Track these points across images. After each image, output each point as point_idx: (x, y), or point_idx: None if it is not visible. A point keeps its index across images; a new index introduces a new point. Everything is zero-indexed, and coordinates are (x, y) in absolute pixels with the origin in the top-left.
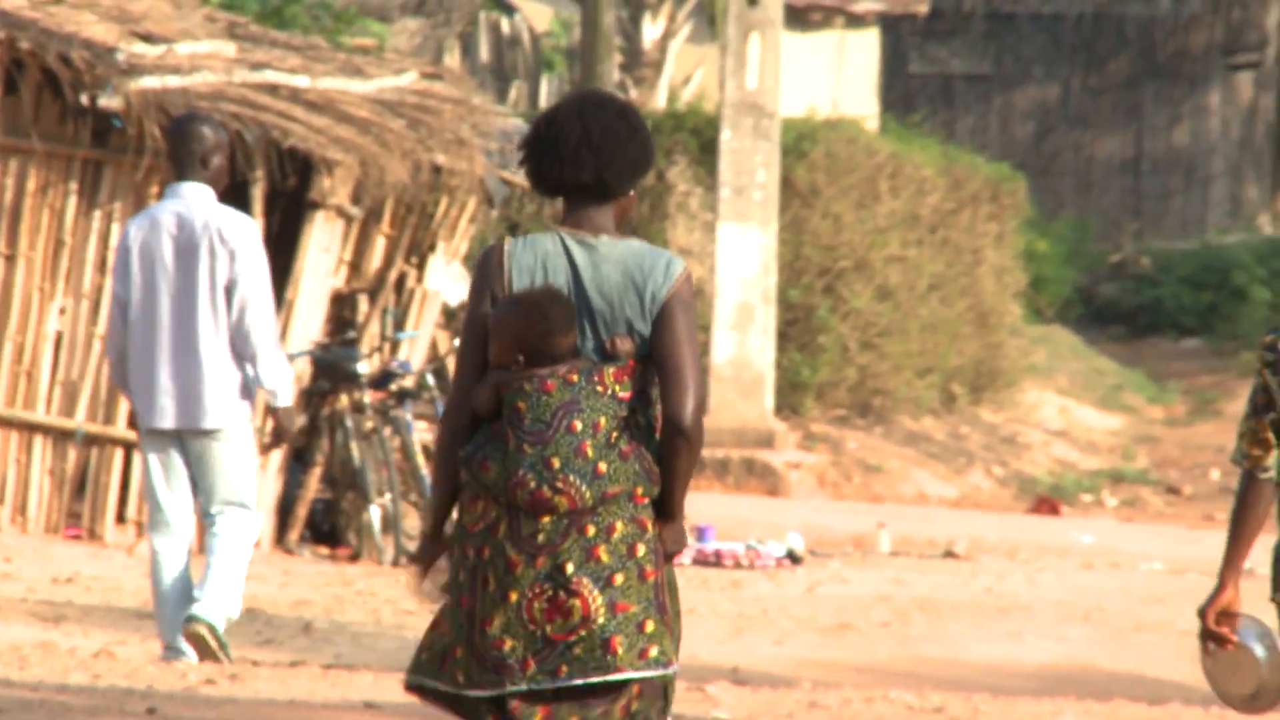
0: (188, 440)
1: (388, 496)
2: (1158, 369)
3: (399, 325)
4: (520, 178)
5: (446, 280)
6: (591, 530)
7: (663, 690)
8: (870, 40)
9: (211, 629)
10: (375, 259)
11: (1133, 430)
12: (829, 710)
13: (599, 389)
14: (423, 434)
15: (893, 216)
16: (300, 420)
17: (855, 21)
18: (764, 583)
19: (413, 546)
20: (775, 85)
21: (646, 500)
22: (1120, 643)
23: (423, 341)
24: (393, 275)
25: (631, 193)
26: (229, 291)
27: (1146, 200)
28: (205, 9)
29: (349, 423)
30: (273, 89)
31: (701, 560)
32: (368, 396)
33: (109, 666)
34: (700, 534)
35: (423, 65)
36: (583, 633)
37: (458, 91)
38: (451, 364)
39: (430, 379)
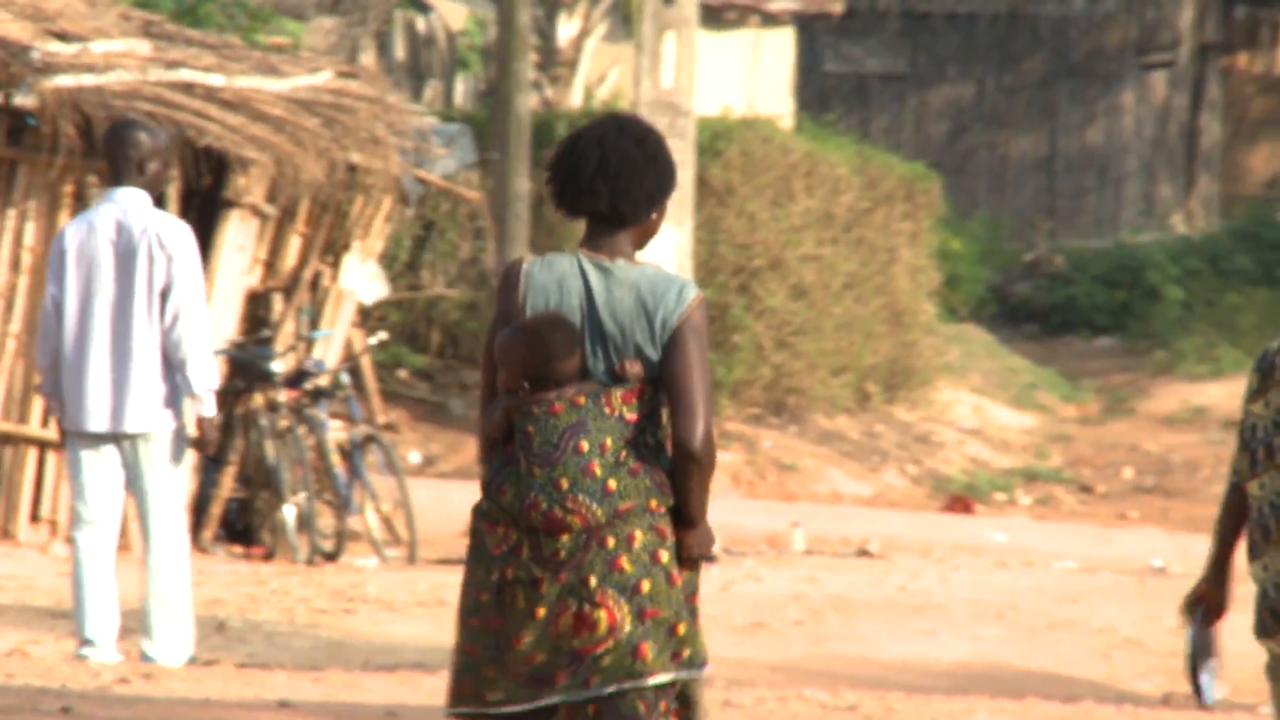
0: (121, 442)
1: (302, 495)
2: (1071, 368)
3: (314, 324)
4: (435, 176)
5: (361, 279)
6: (611, 542)
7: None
8: (785, 39)
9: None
10: (290, 258)
11: (1046, 429)
12: (743, 709)
13: (606, 410)
14: (337, 433)
15: (808, 215)
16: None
17: (770, 20)
18: None
19: (328, 545)
20: (690, 84)
21: (664, 509)
22: (1033, 641)
23: (337, 340)
24: (308, 274)
25: (657, 215)
26: (164, 297)
27: (1060, 199)
28: (120, 7)
29: (263, 422)
30: (188, 88)
31: None
32: (282, 395)
33: (23, 665)
34: None
35: (338, 64)
36: (610, 643)
37: (373, 90)
38: (366, 363)
39: (345, 378)
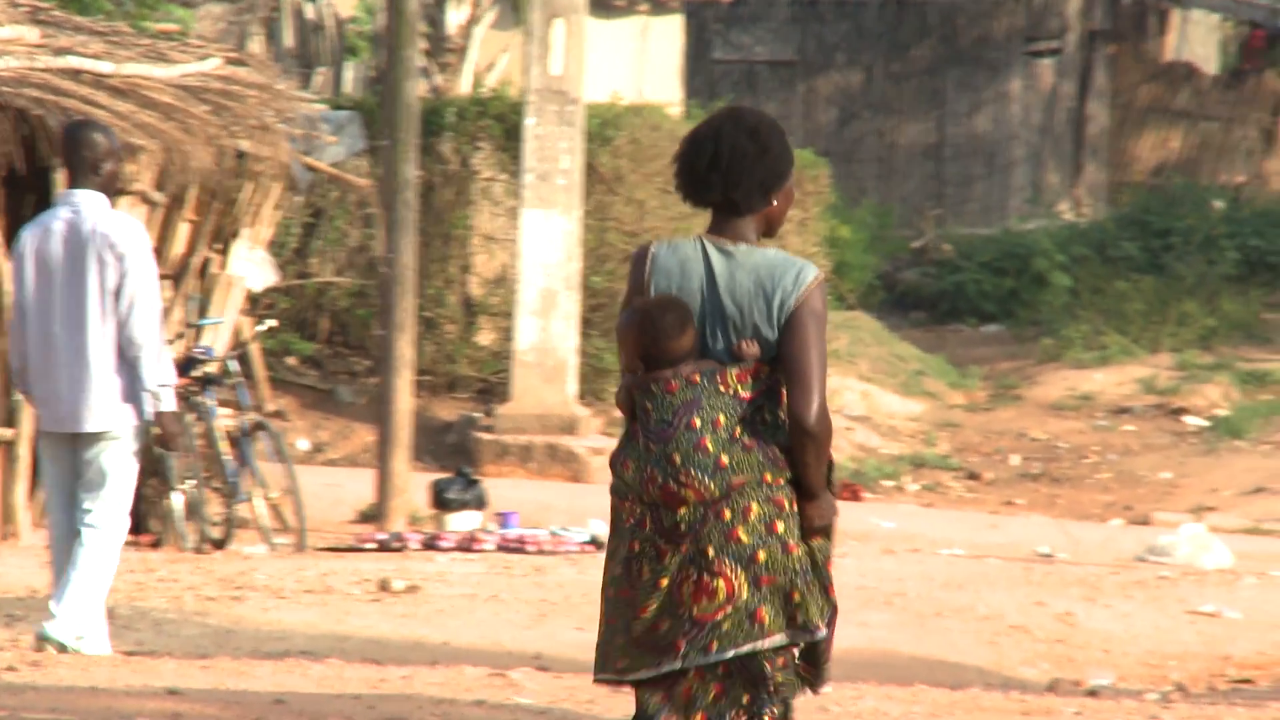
0: (82, 440)
1: (190, 483)
2: (959, 355)
3: (202, 311)
4: (324, 164)
5: (250, 266)
6: (728, 514)
7: (793, 669)
8: (674, 26)
9: (61, 647)
10: (179, 245)
11: (934, 416)
12: (631, 696)
13: (721, 389)
14: (225, 420)
15: None
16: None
17: (659, 8)
18: (567, 568)
19: (216, 533)
20: (580, 71)
21: (782, 481)
22: (921, 628)
23: (226, 328)
24: (196, 261)
25: (776, 202)
26: (117, 296)
27: (948, 186)
28: None
29: None
30: (76, 74)
31: (505, 546)
32: None
33: None
34: (503, 520)
35: (227, 51)
36: (729, 609)
37: (262, 77)
38: (254, 350)
39: (233, 365)
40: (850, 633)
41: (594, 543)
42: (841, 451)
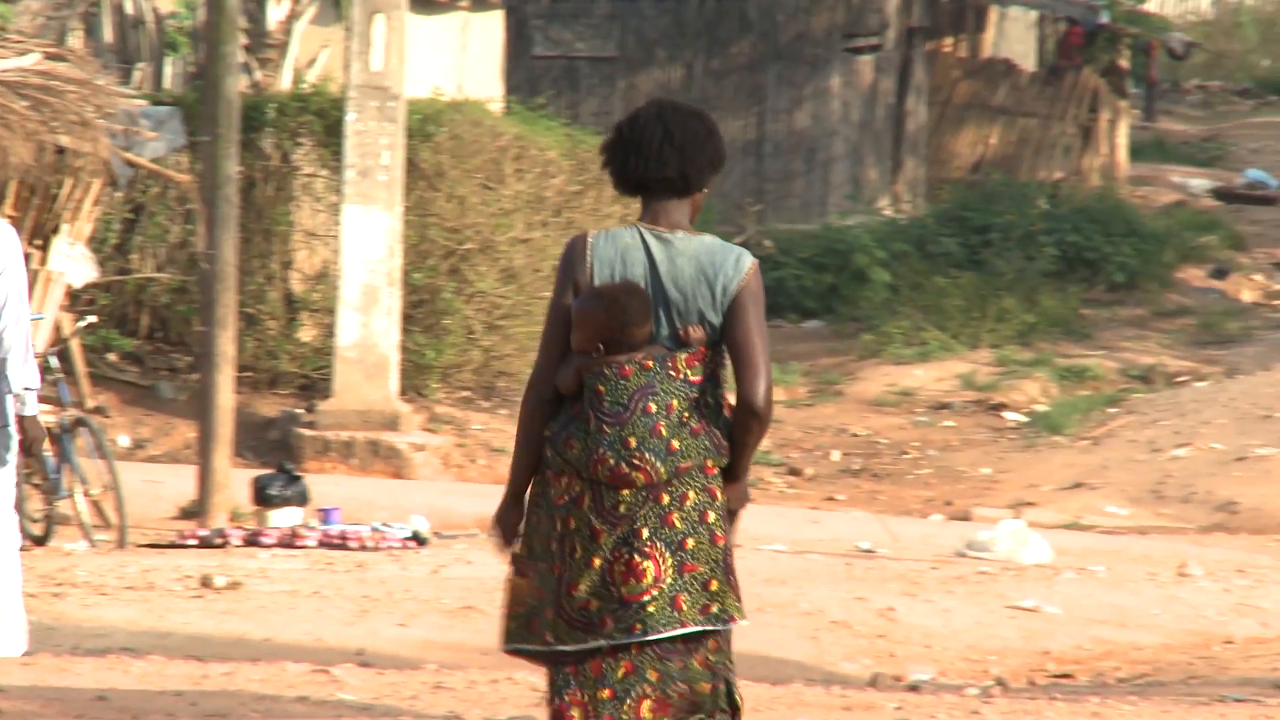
0: None
1: None
2: (779, 350)
3: None
4: (144, 159)
5: (70, 262)
6: (665, 499)
7: (729, 648)
8: (495, 22)
9: None
10: None
11: None
12: (454, 692)
13: (672, 374)
14: (45, 416)
15: (518, 199)
16: None
17: (480, 4)
18: (389, 564)
19: (37, 529)
20: (400, 67)
21: (716, 471)
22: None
23: (46, 324)
24: None
25: (704, 190)
26: None
27: (769, 182)
28: None
29: None
30: None
31: (327, 542)
32: None
33: None
34: (325, 516)
35: (46, 46)
36: (654, 592)
37: (82, 73)
38: (75, 346)
39: (54, 361)
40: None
41: (416, 538)
42: None
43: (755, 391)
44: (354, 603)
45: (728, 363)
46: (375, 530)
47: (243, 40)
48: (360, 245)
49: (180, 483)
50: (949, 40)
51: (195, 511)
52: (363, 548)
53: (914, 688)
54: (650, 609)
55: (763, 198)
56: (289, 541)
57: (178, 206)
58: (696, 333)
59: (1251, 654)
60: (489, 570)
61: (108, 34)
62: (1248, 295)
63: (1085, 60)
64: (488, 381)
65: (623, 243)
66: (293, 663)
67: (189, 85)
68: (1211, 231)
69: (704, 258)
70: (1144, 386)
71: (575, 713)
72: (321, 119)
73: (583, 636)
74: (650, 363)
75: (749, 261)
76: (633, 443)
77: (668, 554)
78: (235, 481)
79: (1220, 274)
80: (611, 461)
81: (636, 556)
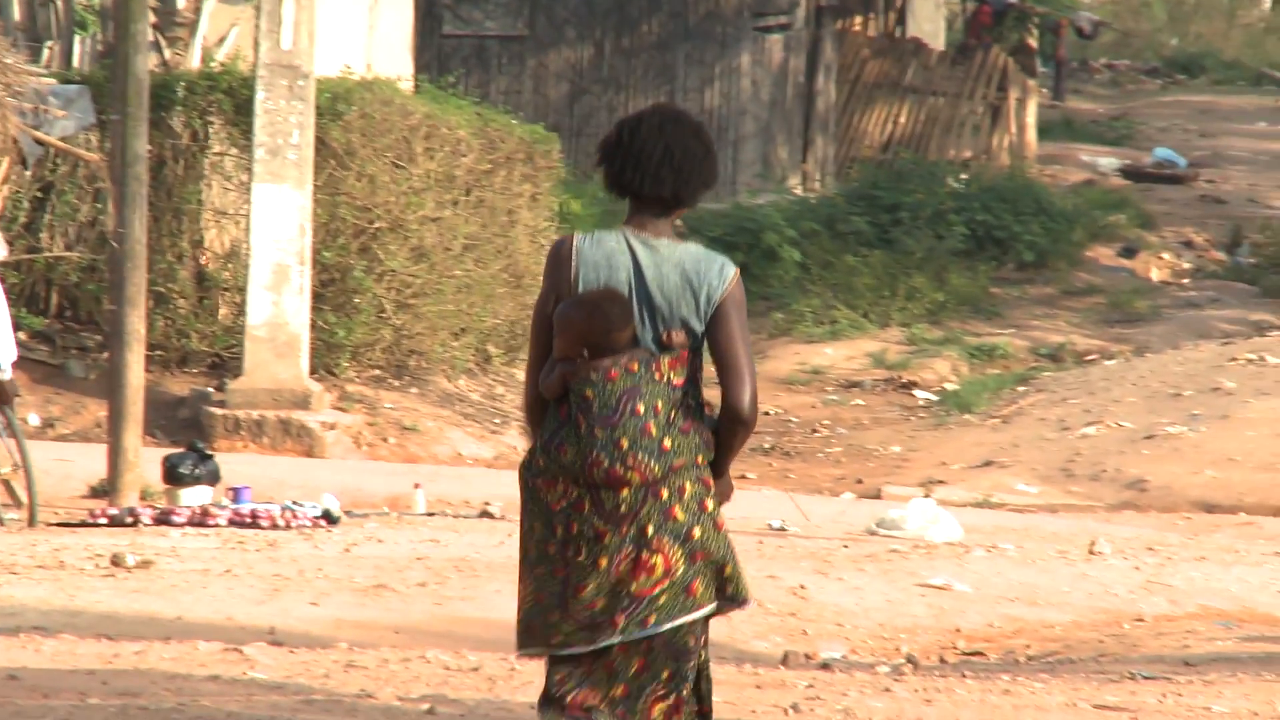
0: None
1: None
2: None
3: None
4: (54, 138)
5: None
6: (665, 494)
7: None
8: (404, 1)
9: None
10: None
11: None
12: (366, 671)
13: (656, 376)
14: None
15: (428, 178)
16: None
17: None
18: (300, 543)
19: None
20: (310, 46)
21: (706, 463)
22: None
23: None
24: None
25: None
26: None
27: None
28: None
29: None
30: None
31: (238, 521)
32: None
33: None
34: (236, 495)
35: None
36: (666, 584)
37: None
38: None
39: None
40: None
41: (327, 517)
42: None
43: (741, 398)
44: (265, 581)
45: (706, 365)
46: (286, 509)
47: (152, 19)
48: (271, 224)
49: (91, 462)
50: (858, 19)
51: (106, 490)
52: (274, 526)
53: (825, 666)
54: (662, 600)
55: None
56: (200, 520)
57: (87, 185)
58: (679, 337)
59: (1161, 631)
60: (400, 549)
61: (16, 12)
62: (1156, 274)
63: (994, 39)
64: (399, 360)
65: (608, 247)
66: (204, 641)
67: (98, 64)
68: (1120, 210)
69: (689, 265)
70: (1053, 365)
71: (589, 709)
72: (231, 98)
73: (592, 637)
74: (635, 366)
75: (732, 271)
76: (625, 444)
77: (676, 546)
78: (146, 460)
79: (1129, 253)
80: (606, 464)
81: (645, 553)
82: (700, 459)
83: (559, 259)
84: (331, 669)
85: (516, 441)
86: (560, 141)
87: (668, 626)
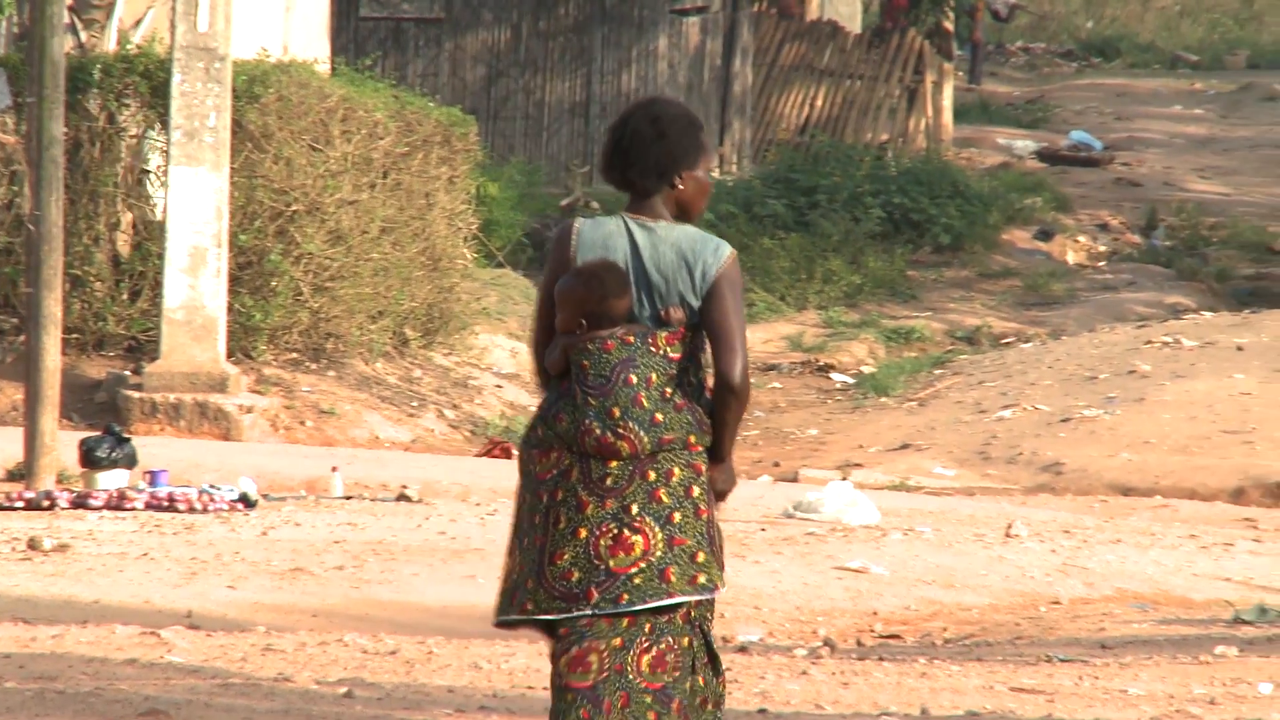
0: None
1: None
2: None
3: None
4: None
5: None
6: (652, 475)
7: (712, 606)
8: None
9: None
10: None
11: None
12: (284, 654)
13: (652, 349)
14: None
15: (345, 160)
16: None
17: None
18: (218, 526)
19: None
20: (227, 28)
21: (700, 448)
22: None
23: None
24: None
25: (683, 186)
26: None
27: (596, 144)
28: None
29: None
30: None
31: (155, 504)
32: None
33: None
34: (153, 478)
35: None
36: (642, 565)
37: None
38: None
39: None
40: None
41: (244, 500)
42: (492, 409)
43: (733, 369)
44: (182, 565)
45: (708, 348)
46: (203, 492)
47: (68, 1)
48: (187, 206)
49: (7, 445)
50: (797, 7)
51: (22, 474)
52: (191, 510)
53: (743, 649)
54: (637, 580)
55: (590, 159)
56: (117, 504)
57: (3, 168)
58: (676, 313)
59: (1078, 614)
60: (317, 532)
61: None
62: (1072, 257)
63: (910, 22)
64: (316, 343)
65: (607, 229)
66: (122, 625)
67: (14, 46)
68: (1036, 193)
69: (685, 244)
70: (970, 348)
71: (593, 659)
72: (148, 80)
73: (565, 606)
74: (631, 338)
75: (727, 250)
76: (617, 413)
77: (657, 528)
78: (62, 444)
79: (1045, 235)
80: (598, 431)
81: (626, 531)
82: (693, 440)
83: (560, 241)
84: (249, 652)
85: (434, 424)
86: (477, 124)
87: (639, 607)
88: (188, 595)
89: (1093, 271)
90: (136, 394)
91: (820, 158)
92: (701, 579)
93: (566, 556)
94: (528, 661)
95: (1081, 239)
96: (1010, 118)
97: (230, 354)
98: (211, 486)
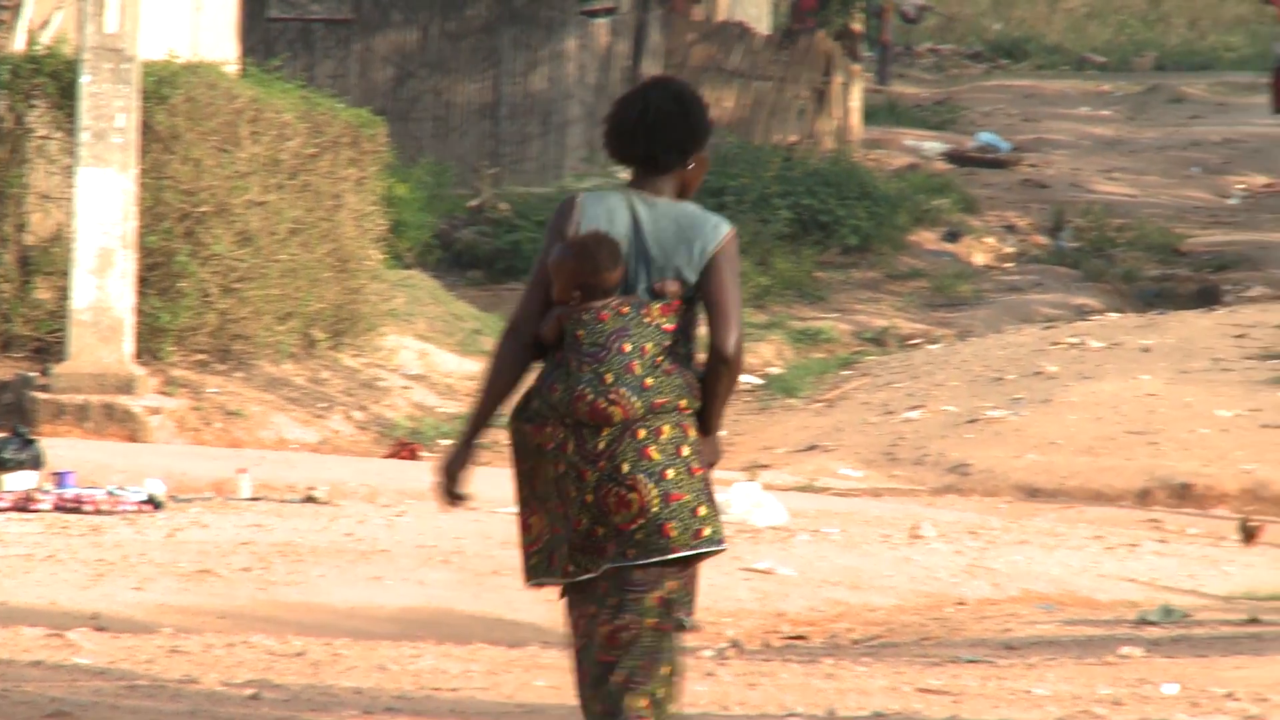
0: None
1: None
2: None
3: None
4: None
5: None
6: (642, 433)
7: (692, 589)
8: None
9: None
10: None
11: None
12: (191, 656)
13: (646, 320)
14: None
15: (254, 161)
16: None
17: None
18: (124, 528)
19: None
20: (135, 29)
21: (690, 410)
22: (479, 586)
23: None
24: None
25: (691, 166)
26: None
27: (505, 145)
28: None
29: None
30: None
31: (62, 506)
32: None
33: None
34: (60, 479)
35: None
36: (641, 521)
37: None
38: None
39: None
40: (409, 591)
41: (151, 502)
42: (399, 410)
43: (727, 340)
44: (89, 566)
45: (701, 323)
46: (110, 494)
47: None
48: (95, 208)
49: None
50: (683, 3)
51: None
52: (98, 511)
53: None
54: (639, 536)
55: (499, 160)
56: (23, 505)
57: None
58: (671, 286)
59: (984, 615)
60: (225, 534)
61: None
62: (979, 258)
63: (819, 23)
64: (223, 345)
65: (610, 203)
66: (28, 627)
67: None
68: (943, 194)
69: (684, 221)
70: (877, 349)
71: (596, 622)
72: (56, 81)
73: (594, 562)
74: (626, 309)
75: (726, 228)
76: (609, 379)
77: (650, 484)
78: None
79: (952, 237)
80: (590, 396)
81: (622, 489)
82: (683, 404)
83: (563, 214)
84: (156, 654)
85: (341, 426)
86: (386, 125)
87: (644, 563)
88: (94, 597)
89: (1000, 273)
90: (43, 395)
91: (729, 159)
92: (707, 531)
93: (585, 520)
94: (435, 663)
95: (989, 240)
96: (918, 119)
97: (138, 355)
98: (119, 488)
